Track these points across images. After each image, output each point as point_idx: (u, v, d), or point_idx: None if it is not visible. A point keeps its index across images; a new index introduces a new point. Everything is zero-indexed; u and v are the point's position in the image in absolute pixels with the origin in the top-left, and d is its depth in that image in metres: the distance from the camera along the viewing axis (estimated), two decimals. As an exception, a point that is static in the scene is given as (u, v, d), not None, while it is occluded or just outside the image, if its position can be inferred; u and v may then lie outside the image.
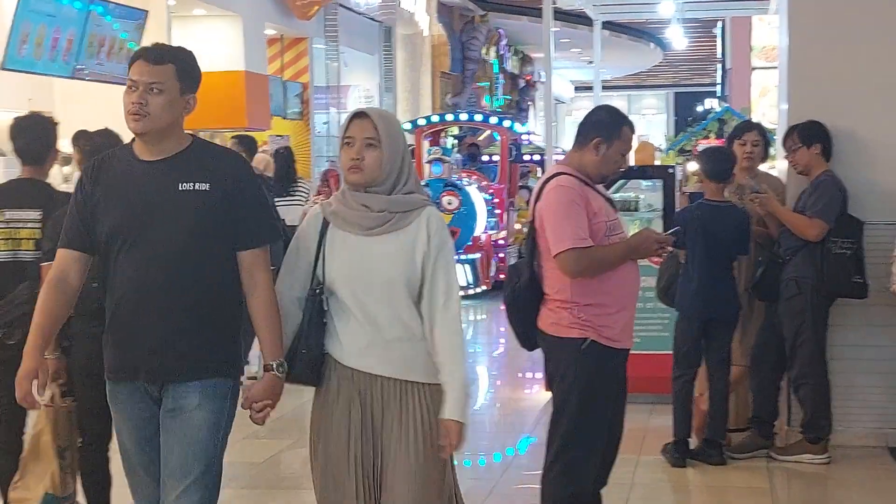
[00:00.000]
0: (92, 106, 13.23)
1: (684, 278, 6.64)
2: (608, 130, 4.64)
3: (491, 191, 15.88)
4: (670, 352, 6.84)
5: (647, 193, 9.45)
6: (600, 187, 4.73)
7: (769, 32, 19.26)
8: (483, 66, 26.25)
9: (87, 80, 12.48)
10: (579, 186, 4.54)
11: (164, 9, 13.29)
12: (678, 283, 6.69)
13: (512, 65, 30.05)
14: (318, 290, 3.74)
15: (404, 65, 22.61)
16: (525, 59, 31.63)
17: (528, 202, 14.63)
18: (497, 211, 15.80)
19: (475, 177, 16.18)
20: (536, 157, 18.40)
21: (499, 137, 16.92)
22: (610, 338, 4.55)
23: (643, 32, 29.41)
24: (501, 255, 15.77)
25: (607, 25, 23.93)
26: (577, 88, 41.26)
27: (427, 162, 15.06)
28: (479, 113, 18.01)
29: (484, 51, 26.04)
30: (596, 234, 4.50)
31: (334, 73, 19.17)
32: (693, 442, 6.74)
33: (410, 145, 15.36)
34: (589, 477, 4.62)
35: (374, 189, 3.70)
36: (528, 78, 31.95)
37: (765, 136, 7.16)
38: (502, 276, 14.51)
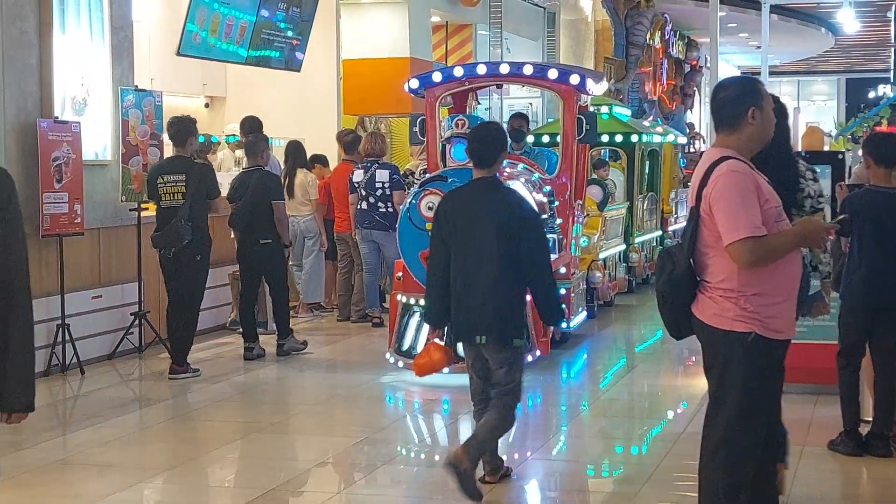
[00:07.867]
0: (263, 91, 13.61)
1: (850, 266, 6.51)
2: (752, 96, 4.55)
3: (548, 186, 9.80)
4: (835, 341, 6.72)
5: (815, 180, 9.24)
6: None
7: (947, 15, 18.60)
8: (647, 50, 25.97)
9: (260, 66, 12.82)
10: (751, 172, 4.47)
11: (332, -3, 13.58)
12: (843, 271, 6.57)
13: (677, 50, 29.67)
14: None
15: (567, 50, 22.54)
16: (691, 44, 31.18)
17: (599, 205, 12.28)
18: (558, 220, 9.80)
19: (523, 165, 10.12)
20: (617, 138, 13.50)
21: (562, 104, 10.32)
22: (776, 329, 4.44)
23: (813, 16, 28.70)
24: (563, 290, 9.03)
25: (776, 9, 23.47)
26: (743, 74, 40.55)
27: (444, 141, 9.31)
28: (528, 64, 10.86)
29: (649, 36, 25.76)
30: (767, 220, 4.39)
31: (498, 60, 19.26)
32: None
33: (420, 115, 10.20)
34: (751, 468, 4.58)
35: None
36: (694, 63, 31.50)
37: None
38: (567, 325, 9.65)
